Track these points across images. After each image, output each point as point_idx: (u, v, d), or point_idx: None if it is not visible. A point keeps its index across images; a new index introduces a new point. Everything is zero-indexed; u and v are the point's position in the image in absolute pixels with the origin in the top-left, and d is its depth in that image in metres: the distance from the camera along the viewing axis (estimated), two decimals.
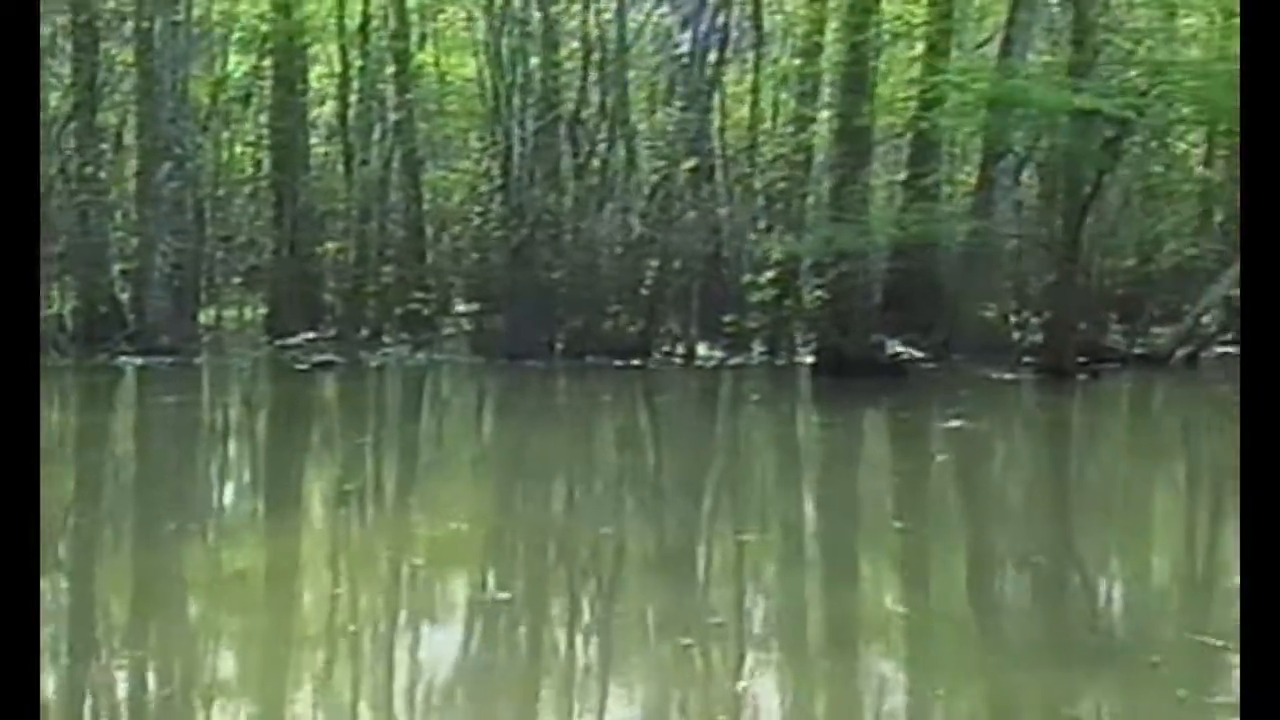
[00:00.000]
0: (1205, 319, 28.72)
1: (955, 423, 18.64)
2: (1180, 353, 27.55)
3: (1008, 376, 24.32)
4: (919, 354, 24.85)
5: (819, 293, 27.08)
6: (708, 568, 10.75)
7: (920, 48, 29.30)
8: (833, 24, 28.68)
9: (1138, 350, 27.68)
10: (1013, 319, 29.93)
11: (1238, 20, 29.62)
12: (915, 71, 29.21)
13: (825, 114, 28.66)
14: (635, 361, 25.09)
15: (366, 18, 28.07)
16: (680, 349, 26.42)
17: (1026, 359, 25.57)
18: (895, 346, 24.77)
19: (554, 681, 7.69)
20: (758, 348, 26.86)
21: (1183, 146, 32.60)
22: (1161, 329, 29.45)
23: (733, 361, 25.97)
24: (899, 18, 29.78)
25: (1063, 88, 24.58)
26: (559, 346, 25.90)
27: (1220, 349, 28.51)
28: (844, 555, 11.44)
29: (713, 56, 27.43)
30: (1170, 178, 32.82)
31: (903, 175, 29.22)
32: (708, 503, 13.71)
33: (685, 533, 11.89)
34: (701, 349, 26.42)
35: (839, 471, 16.02)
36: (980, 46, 29.95)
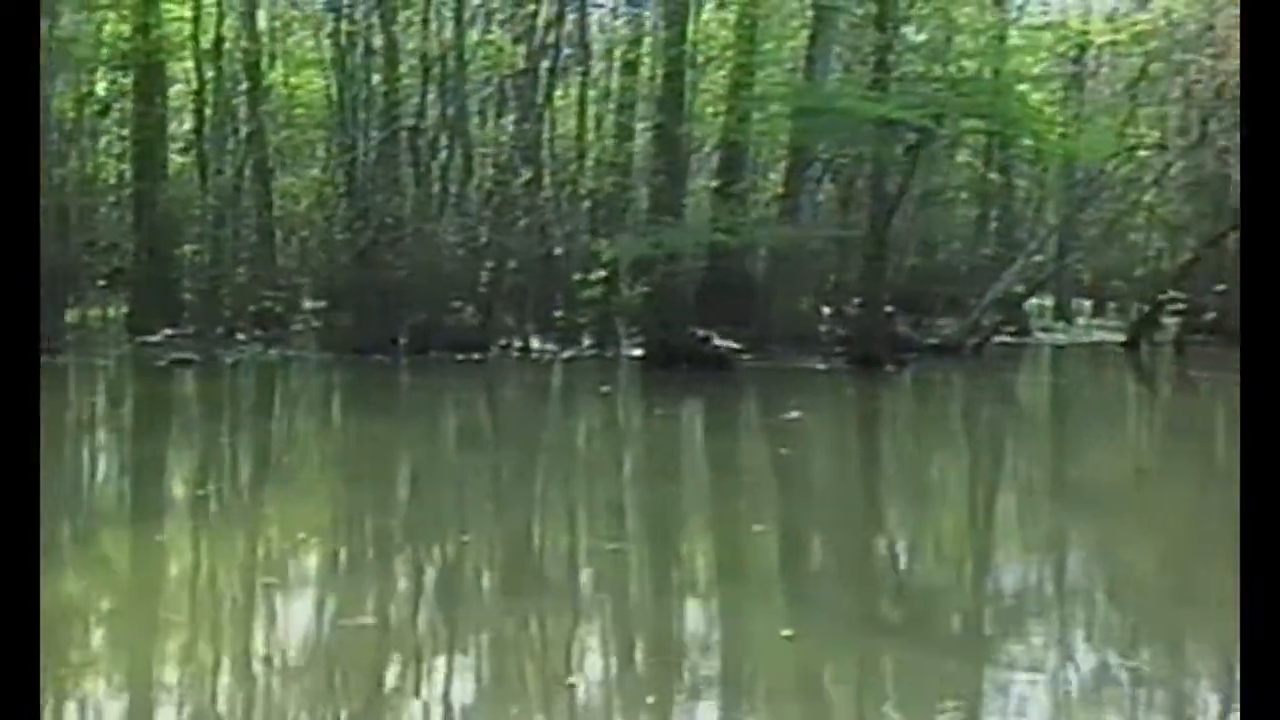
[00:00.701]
0: (993, 312, 31.20)
1: (793, 414, 19.80)
2: (970, 342, 30.19)
3: (821, 367, 26.28)
4: (737, 346, 26.28)
5: (642, 290, 28.95)
6: (561, 567, 10.98)
7: (729, 67, 31.27)
8: (649, 44, 30.84)
9: (932, 341, 30.21)
10: (823, 313, 32.19)
11: (1004, 41, 32.64)
12: (725, 88, 31.54)
13: (642, 126, 30.86)
14: (475, 355, 26.35)
15: (220, 38, 29.11)
16: (516, 343, 27.92)
17: (838, 350, 27.66)
18: (716, 340, 26.18)
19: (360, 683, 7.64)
20: (587, 341, 28.54)
21: (965, 156, 34.79)
22: (949, 320, 32.29)
23: (565, 354, 27.53)
24: (711, 39, 31.84)
25: (866, 100, 26.78)
26: (403, 342, 26.81)
27: (1001, 339, 31.38)
28: (686, 540, 12.18)
29: (543, 73, 29.19)
30: (958, 183, 34.98)
31: (715, 182, 31.24)
32: (553, 499, 14.11)
33: (531, 528, 12.29)
34: (535, 343, 28.02)
35: (668, 457, 17.10)
36: (783, 65, 32.23)
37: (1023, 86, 31.68)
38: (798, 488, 14.84)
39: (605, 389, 23.79)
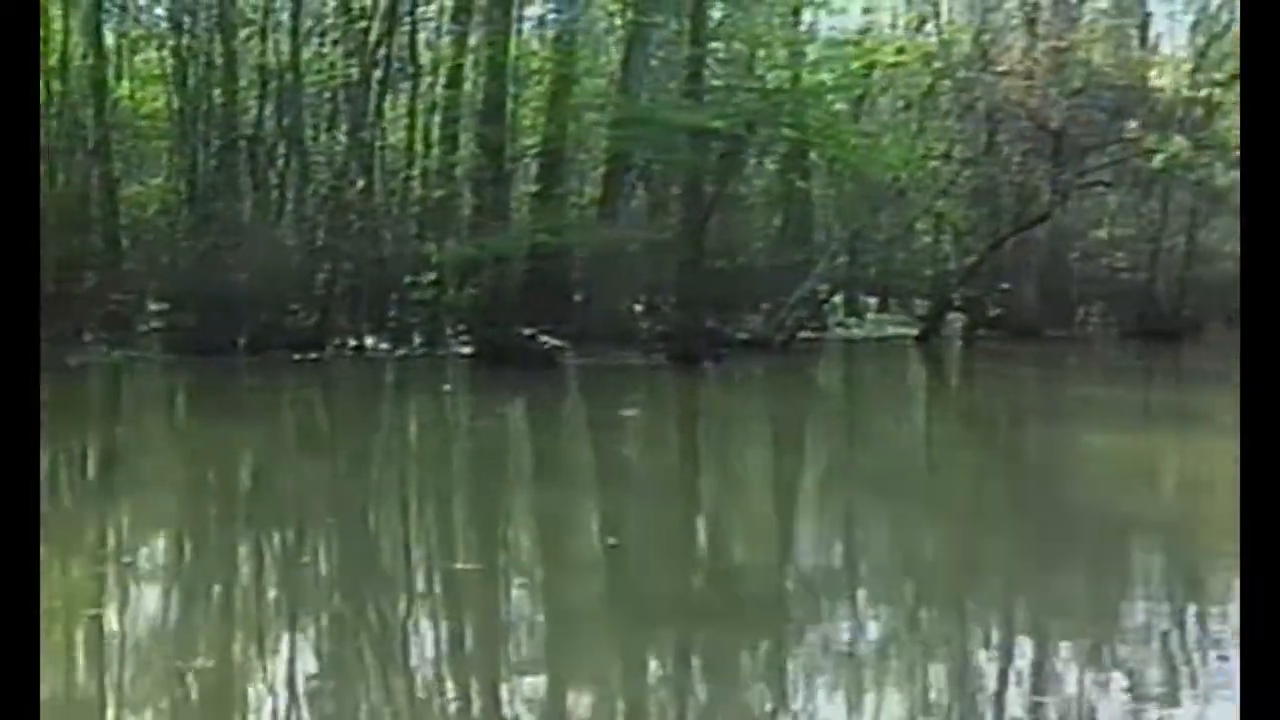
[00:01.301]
0: (797, 310, 33.46)
1: (627, 411, 21.22)
2: (778, 338, 32.49)
3: (642, 362, 27.87)
4: (562, 344, 27.48)
5: (470, 291, 30.56)
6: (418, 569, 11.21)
7: (548, 80, 33.30)
8: (472, 60, 32.59)
9: (743, 337, 32.23)
10: (642, 311, 33.97)
11: (803, 57, 35.11)
12: (545, 100, 33.47)
13: (467, 136, 32.49)
14: (312, 355, 27.28)
15: (66, 55, 29.84)
16: (351, 343, 28.99)
17: (657, 347, 29.26)
18: (542, 338, 27.31)
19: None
20: (418, 340, 29.74)
21: (771, 163, 37.02)
22: (757, 318, 34.65)
23: (398, 353, 28.63)
24: (531, 54, 33.97)
25: (679, 110, 28.72)
26: (243, 342, 27.31)
27: (805, 334, 33.89)
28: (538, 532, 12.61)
29: (375, 86, 30.55)
30: (764, 189, 37.08)
31: (536, 188, 33.02)
32: (391, 496, 14.45)
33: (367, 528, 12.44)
34: (370, 342, 29.10)
35: (497, 453, 17.48)
36: (600, 78, 34.18)
37: (830, 99, 33.86)
38: (624, 480, 15.42)
39: (447, 388, 24.83)
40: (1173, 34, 45.58)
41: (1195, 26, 42.44)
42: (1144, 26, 43.43)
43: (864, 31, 38.78)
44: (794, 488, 16.08)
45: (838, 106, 35.76)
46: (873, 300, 43.30)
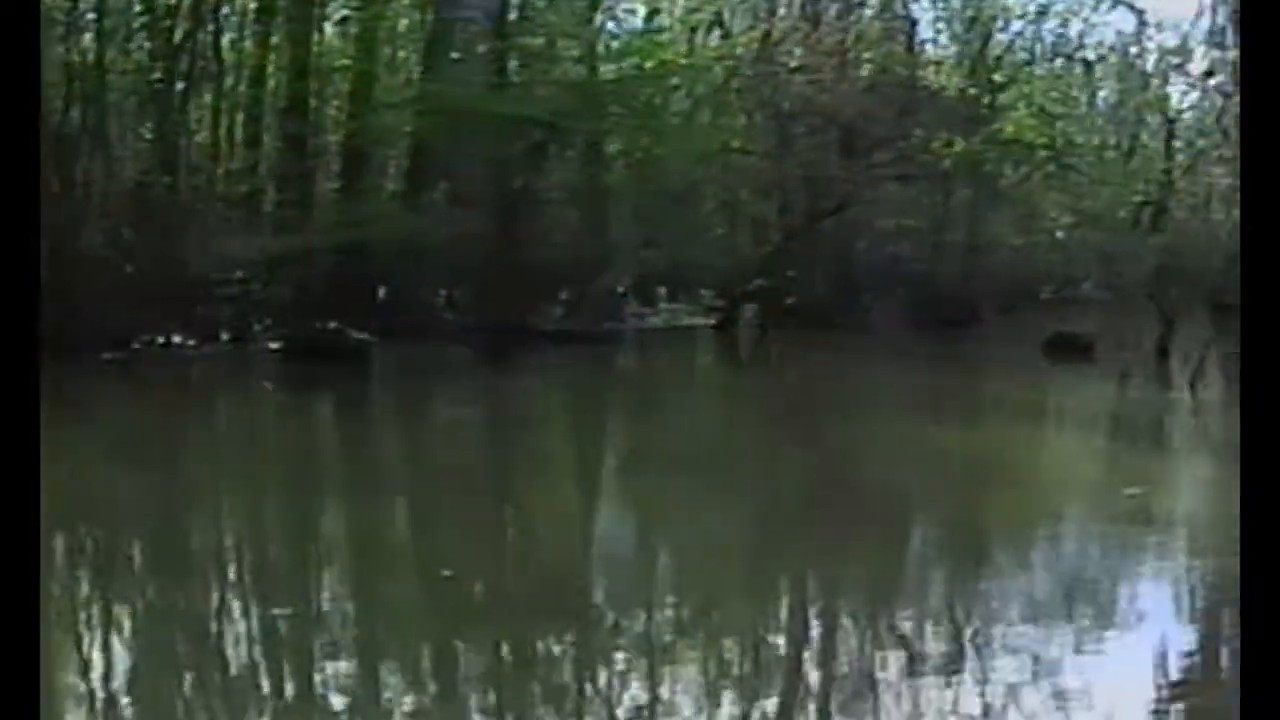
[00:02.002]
0: (598, 302, 34.33)
1: (438, 407, 21.84)
2: (581, 330, 33.35)
3: (451, 356, 28.17)
4: (370, 338, 27.52)
5: (277, 286, 30.80)
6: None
7: (351, 76, 33.88)
8: (275, 58, 33.02)
9: (548, 329, 32.79)
10: (450, 304, 34.81)
11: (605, 49, 36.03)
12: (348, 95, 34.06)
13: (271, 134, 32.89)
14: (119, 353, 26.90)
15: None
16: (159, 339, 28.71)
17: (465, 340, 29.64)
18: (350, 333, 27.32)
19: None
20: (226, 336, 29.68)
21: (574, 155, 37.84)
22: (562, 309, 35.62)
23: (206, 350, 28.51)
24: (334, 50, 34.60)
25: (483, 102, 29.24)
26: (49, 340, 26.92)
27: (609, 325, 34.96)
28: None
29: (179, 84, 30.74)
30: (572, 182, 37.92)
31: (340, 183, 33.60)
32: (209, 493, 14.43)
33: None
34: (177, 339, 28.87)
35: (298, 450, 17.73)
36: (403, 72, 34.93)
37: (625, 94, 34.76)
38: (432, 477, 15.80)
39: (267, 385, 25.40)
40: (941, 38, 47.21)
41: (970, 29, 44.18)
42: (910, 33, 44.94)
43: (655, 30, 39.74)
44: (602, 480, 16.78)
45: (634, 102, 36.59)
46: (672, 292, 44.25)
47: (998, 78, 40.37)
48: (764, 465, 16.93)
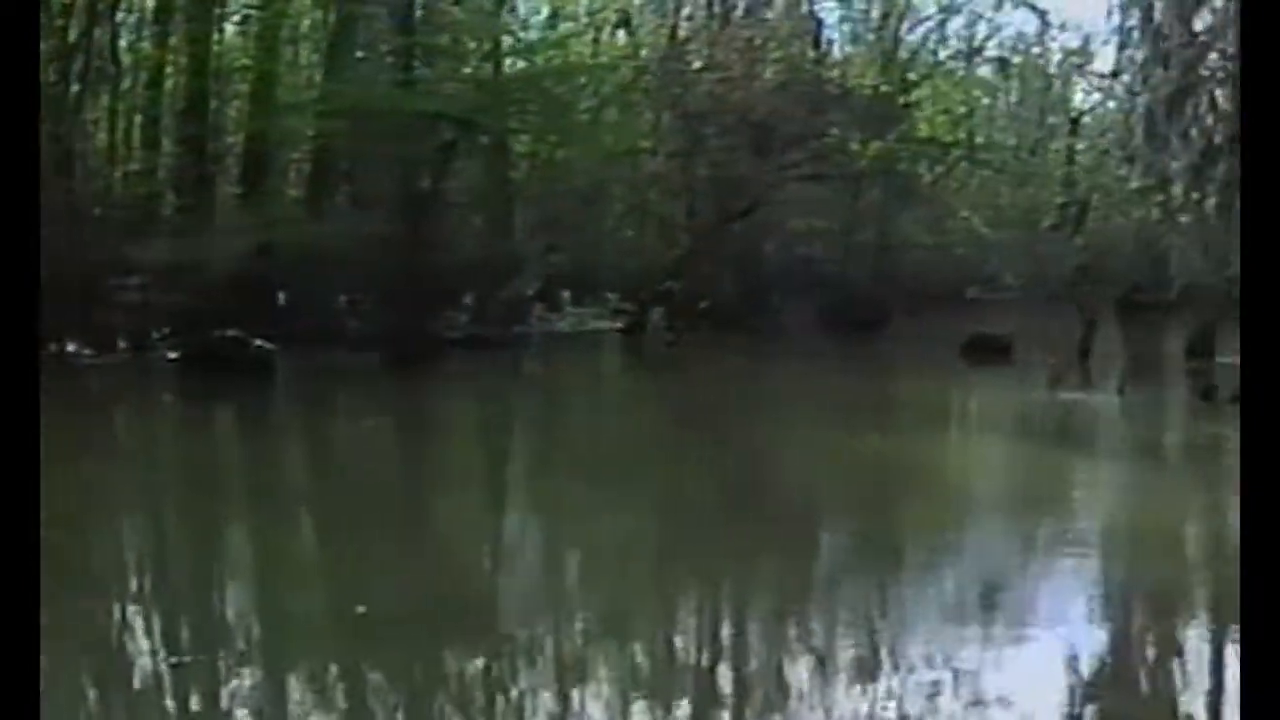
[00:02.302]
0: (507, 307, 33.65)
1: (343, 418, 21.30)
2: (490, 335, 32.71)
3: (355, 364, 27.52)
4: (271, 346, 26.69)
5: (176, 293, 29.33)
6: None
7: (251, 77, 32.94)
8: (173, 60, 32.14)
9: (456, 335, 32.08)
10: (349, 309, 33.61)
11: (512, 47, 35.38)
12: (249, 97, 33.08)
13: (168, 138, 32.06)
14: None
15: None
16: (52, 348, 27.08)
17: (370, 347, 28.86)
18: (251, 340, 26.54)
19: None
20: (123, 345, 28.81)
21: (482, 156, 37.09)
22: (469, 315, 34.89)
23: (103, 359, 27.62)
24: (234, 50, 33.63)
25: (389, 101, 28.42)
26: None
27: (517, 330, 34.32)
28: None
29: (75, 87, 29.62)
30: (479, 184, 37.19)
31: (240, 188, 32.59)
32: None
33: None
34: (72, 347, 27.87)
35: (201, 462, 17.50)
36: (305, 73, 33.93)
37: (533, 93, 34.13)
38: (343, 488, 15.58)
39: (169, 398, 24.58)
40: (853, 36, 46.75)
41: (880, 27, 43.96)
42: (817, 33, 44.69)
43: (560, 28, 39.14)
44: (509, 490, 16.54)
45: (540, 101, 35.93)
46: (581, 295, 43.60)
47: (910, 76, 39.99)
48: (673, 471, 16.78)
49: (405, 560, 11.40)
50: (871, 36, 45.10)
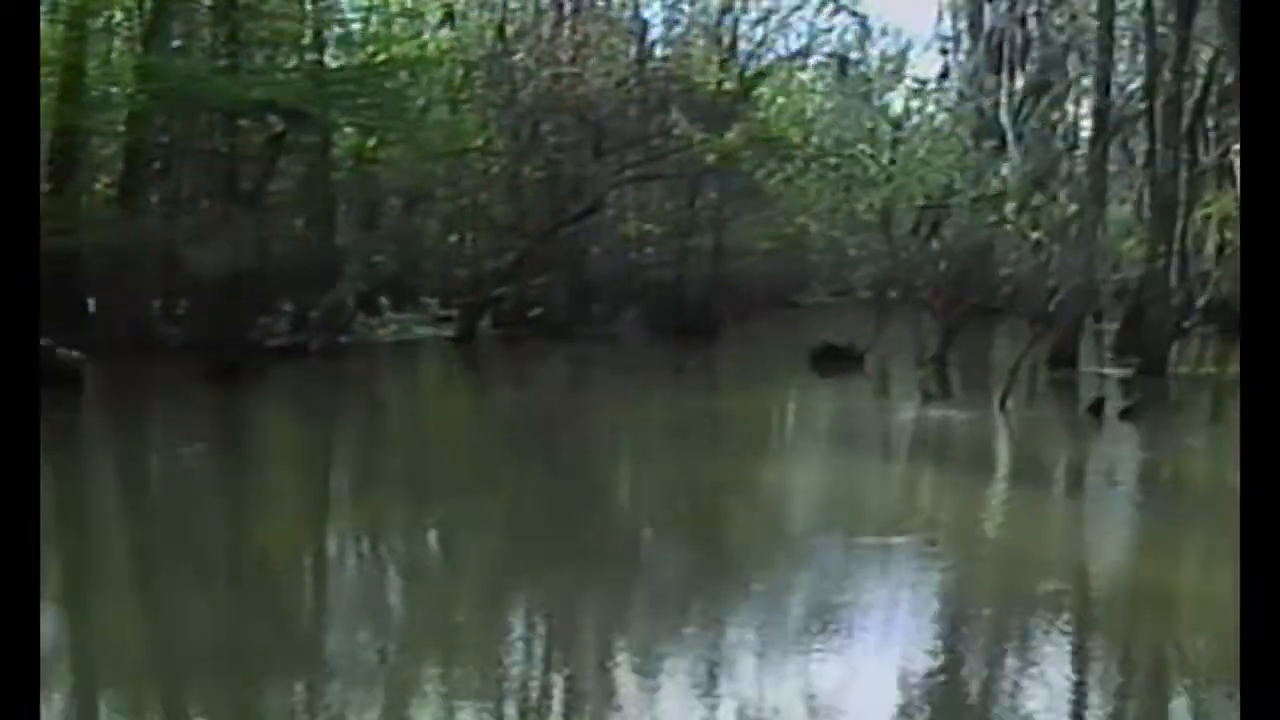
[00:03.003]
0: (330, 314, 31.66)
1: (161, 437, 19.85)
2: (314, 344, 30.84)
3: (173, 375, 25.75)
4: (80, 355, 24.58)
5: None
6: None
7: (59, 70, 30.07)
8: None
9: (279, 344, 30.21)
10: (164, 316, 31.80)
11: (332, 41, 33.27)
12: (57, 91, 30.15)
13: None
14: None
15: None
16: None
17: (188, 356, 27.07)
18: (59, 350, 23.71)
19: None
20: None
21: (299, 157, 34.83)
22: (290, 323, 32.98)
23: None
24: (45, 39, 30.51)
25: (214, 90, 26.22)
26: None
27: (343, 338, 32.45)
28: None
29: None
30: (300, 183, 35.06)
31: (49, 185, 29.68)
32: None
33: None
34: None
35: None
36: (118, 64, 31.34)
37: (356, 89, 32.09)
38: (157, 509, 14.99)
39: None
40: (694, 33, 45.04)
41: (720, 22, 42.60)
42: (643, 32, 42.98)
43: (382, 20, 36.95)
44: (330, 509, 15.86)
45: (364, 96, 33.75)
46: (408, 302, 41.62)
47: (749, 74, 38.53)
48: (497, 488, 16.10)
49: (216, 588, 11.13)
50: (706, 33, 43.50)
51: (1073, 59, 44.77)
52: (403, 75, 35.28)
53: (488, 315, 37.53)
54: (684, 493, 15.89)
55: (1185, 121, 30.91)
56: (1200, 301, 31.28)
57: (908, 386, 28.49)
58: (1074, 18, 41.48)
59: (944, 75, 55.33)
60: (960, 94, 50.93)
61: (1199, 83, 31.20)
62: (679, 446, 19.53)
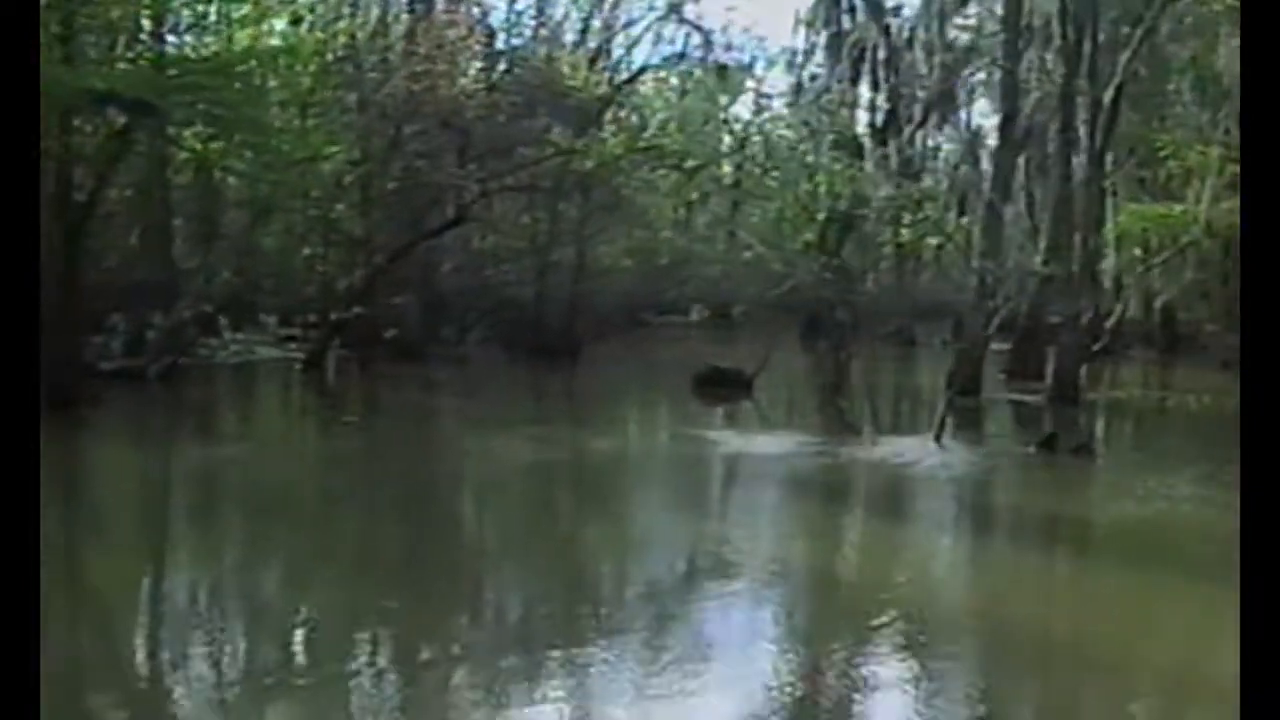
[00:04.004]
0: (170, 335, 28.97)
1: None
2: (154, 368, 28.21)
3: None
4: None
5: None
6: None
7: None
8: None
9: (110, 367, 27.53)
10: None
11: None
12: None
13: None
14: None
15: None
16: None
17: None
18: None
19: None
20: None
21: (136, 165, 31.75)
22: (127, 345, 29.81)
23: None
24: None
25: (55, 76, 23.49)
26: None
27: (184, 360, 29.82)
28: None
29: None
30: (137, 194, 32.26)
31: None
32: None
33: None
34: None
35: None
36: None
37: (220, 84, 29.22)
38: None
39: None
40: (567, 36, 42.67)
41: (587, 26, 40.34)
42: (489, 39, 40.51)
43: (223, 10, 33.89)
44: (166, 547, 14.90)
45: (207, 95, 30.67)
46: (253, 322, 38.70)
47: (618, 81, 36.19)
48: (342, 522, 15.54)
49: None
50: (574, 36, 41.15)
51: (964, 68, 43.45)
52: (250, 72, 32.41)
53: (341, 336, 34.63)
54: (537, 538, 14.73)
55: (1094, 129, 29.24)
56: (1109, 323, 29.62)
57: (807, 417, 26.40)
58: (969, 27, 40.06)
59: (798, 89, 54.81)
60: (824, 109, 49.40)
61: (1111, 87, 29.48)
62: (536, 493, 17.73)
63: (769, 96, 54.84)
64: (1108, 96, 29.17)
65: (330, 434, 25.10)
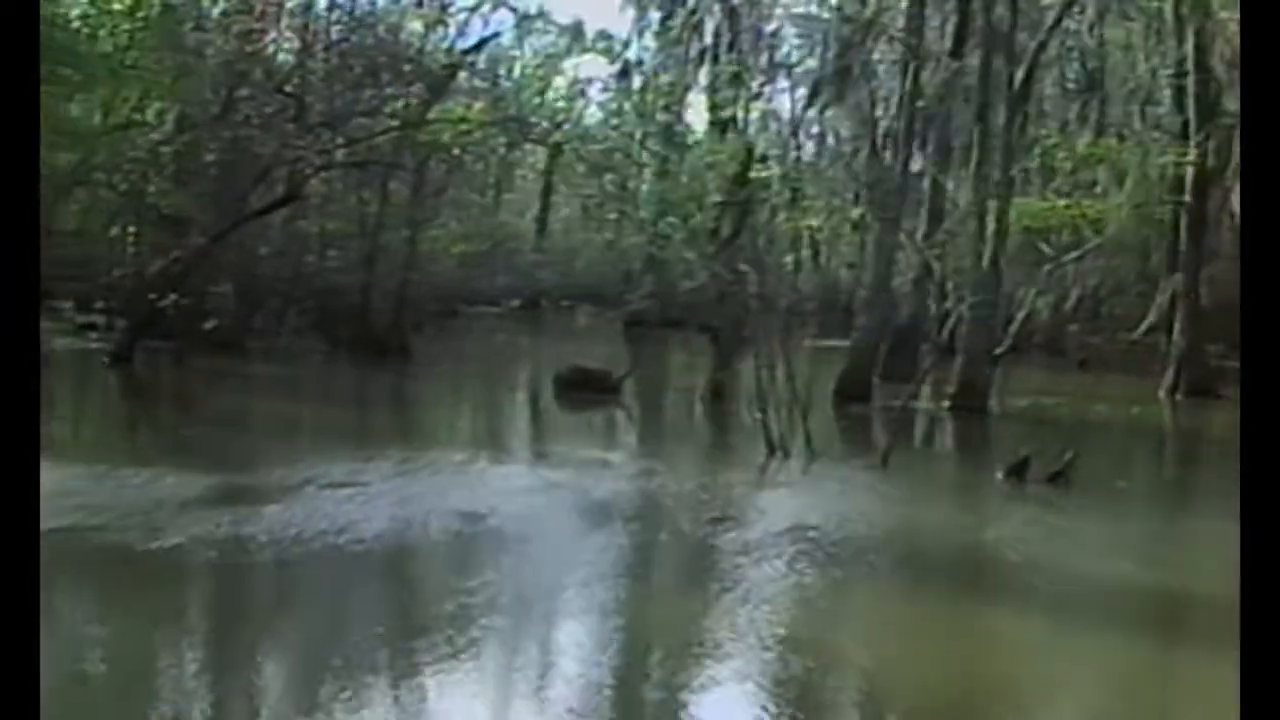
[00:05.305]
0: None
1: None
2: None
3: None
4: None
5: None
6: None
7: None
8: None
9: None
10: None
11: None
12: None
13: None
14: None
15: None
16: None
17: None
18: None
19: None
20: None
21: None
22: None
23: None
24: None
25: None
26: None
27: None
28: None
29: None
30: None
31: None
32: None
33: None
34: None
35: None
36: None
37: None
38: None
39: None
40: None
41: None
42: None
43: None
44: None
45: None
46: (51, 310, 34.60)
47: (461, 49, 32.95)
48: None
49: None
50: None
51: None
52: (49, 26, 28.66)
53: (152, 326, 30.79)
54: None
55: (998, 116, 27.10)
56: (1014, 327, 27.42)
57: (680, 427, 23.71)
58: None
59: (624, 73, 53.66)
60: (659, 91, 47.06)
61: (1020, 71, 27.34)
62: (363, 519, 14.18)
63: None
64: (1018, 77, 27.18)
65: (118, 433, 22.43)
